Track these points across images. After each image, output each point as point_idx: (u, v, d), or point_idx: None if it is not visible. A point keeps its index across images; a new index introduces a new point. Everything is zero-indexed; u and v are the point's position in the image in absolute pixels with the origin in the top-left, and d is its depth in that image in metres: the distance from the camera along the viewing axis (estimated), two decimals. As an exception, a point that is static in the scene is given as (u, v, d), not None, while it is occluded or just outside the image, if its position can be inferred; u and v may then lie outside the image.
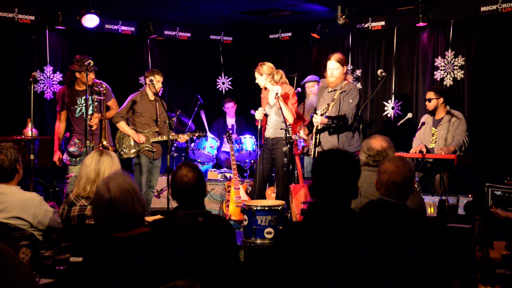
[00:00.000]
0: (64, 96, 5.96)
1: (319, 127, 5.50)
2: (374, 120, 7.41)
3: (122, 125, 6.16)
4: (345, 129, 5.44)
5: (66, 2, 6.82)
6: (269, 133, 5.91)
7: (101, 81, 6.03)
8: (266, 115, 5.94)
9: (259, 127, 5.92)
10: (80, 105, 5.93)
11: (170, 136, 5.93)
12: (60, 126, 6.05)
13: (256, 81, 5.96)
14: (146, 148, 6.17)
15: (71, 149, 5.89)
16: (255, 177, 5.96)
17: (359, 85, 7.64)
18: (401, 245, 2.68)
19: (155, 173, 6.33)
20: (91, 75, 5.78)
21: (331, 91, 5.57)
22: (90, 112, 5.83)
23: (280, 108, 5.59)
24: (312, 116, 6.90)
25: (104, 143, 5.77)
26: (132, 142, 6.16)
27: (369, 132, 7.23)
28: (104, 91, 5.94)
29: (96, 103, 5.90)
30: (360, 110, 5.54)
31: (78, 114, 5.96)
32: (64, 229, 3.42)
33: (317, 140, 5.56)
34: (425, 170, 5.85)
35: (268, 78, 5.84)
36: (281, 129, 5.64)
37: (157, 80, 6.12)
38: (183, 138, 6.30)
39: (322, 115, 5.37)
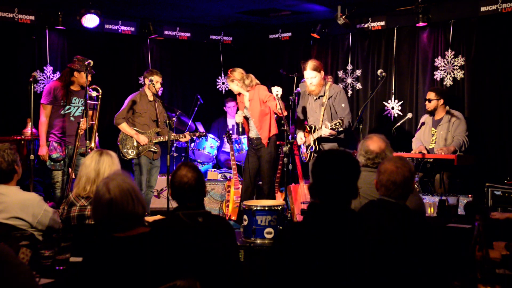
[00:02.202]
0: (57, 90, 5.84)
1: (322, 135, 5.54)
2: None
3: (124, 127, 6.18)
4: (343, 133, 5.53)
5: (66, 2, 6.82)
6: (252, 133, 6.06)
7: (95, 86, 5.95)
8: (246, 118, 6.06)
9: (240, 129, 6.10)
10: (70, 104, 5.87)
11: (172, 136, 5.94)
12: (46, 121, 5.88)
13: (229, 88, 6.15)
14: (149, 149, 6.20)
15: (54, 155, 5.81)
16: (245, 179, 6.07)
17: (359, 85, 7.65)
18: (401, 245, 2.68)
19: (154, 173, 6.36)
20: (89, 77, 5.74)
21: (316, 98, 5.64)
22: (77, 114, 5.81)
23: (280, 108, 5.63)
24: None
25: (92, 145, 5.65)
26: (135, 143, 6.19)
27: (369, 131, 7.23)
28: (100, 96, 5.81)
29: (83, 107, 5.78)
30: (360, 110, 5.56)
31: (65, 112, 5.86)
32: (64, 229, 3.42)
33: (316, 147, 5.59)
34: (425, 170, 5.85)
35: (239, 84, 5.94)
36: (281, 128, 5.68)
37: (156, 81, 6.13)
38: (184, 138, 6.34)
39: (332, 129, 5.41)
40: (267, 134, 5.96)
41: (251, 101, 5.97)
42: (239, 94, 6.09)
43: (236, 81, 5.95)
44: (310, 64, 5.62)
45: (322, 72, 5.64)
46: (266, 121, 5.97)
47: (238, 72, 5.97)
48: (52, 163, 5.84)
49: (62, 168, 5.85)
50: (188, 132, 6.52)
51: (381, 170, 2.88)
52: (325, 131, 5.47)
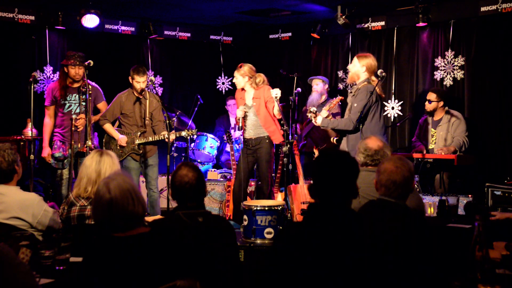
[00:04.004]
0: (55, 90, 5.89)
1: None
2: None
3: (107, 127, 5.95)
4: (352, 132, 5.26)
5: (66, 2, 6.82)
6: (250, 134, 5.95)
7: (88, 80, 5.90)
8: (243, 117, 5.94)
9: (239, 126, 5.93)
10: (70, 101, 5.88)
11: (161, 136, 5.75)
12: (49, 122, 5.94)
13: (234, 81, 5.97)
14: (133, 151, 5.93)
15: (56, 154, 5.81)
16: (237, 177, 6.00)
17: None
18: (401, 245, 2.68)
19: (152, 172, 6.05)
20: (77, 70, 5.73)
21: (352, 94, 5.35)
22: (78, 110, 5.80)
23: (279, 110, 5.62)
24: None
25: (89, 143, 5.54)
26: (118, 146, 5.93)
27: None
28: (90, 92, 5.64)
29: (83, 103, 5.75)
30: (359, 110, 5.52)
31: (67, 110, 5.89)
32: (64, 229, 3.42)
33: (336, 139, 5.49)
34: (425, 170, 5.85)
35: (249, 81, 5.88)
36: (282, 129, 5.67)
37: (137, 81, 5.81)
38: (170, 138, 5.77)
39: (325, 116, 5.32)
40: (278, 135, 5.89)
41: (256, 100, 5.90)
42: (242, 89, 5.98)
43: (247, 76, 5.85)
44: (360, 54, 5.44)
45: (364, 68, 5.25)
46: (273, 121, 5.91)
47: (249, 68, 5.87)
48: (55, 162, 5.85)
49: (66, 166, 5.83)
50: (173, 131, 5.91)
51: (380, 170, 2.88)
52: (313, 118, 5.41)
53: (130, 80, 5.90)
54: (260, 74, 5.94)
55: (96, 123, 6.03)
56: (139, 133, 5.94)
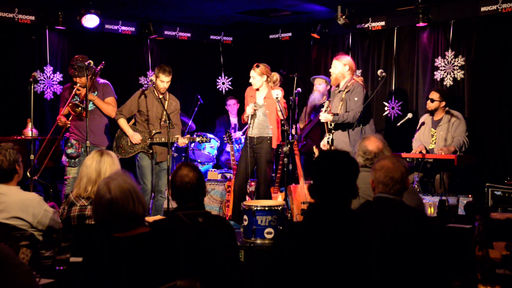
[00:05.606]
0: (65, 92, 5.98)
1: (330, 126, 5.52)
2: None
3: (121, 122, 5.88)
4: (354, 126, 5.49)
5: (66, 2, 6.82)
6: (254, 132, 5.94)
7: (98, 78, 5.92)
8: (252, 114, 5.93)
9: (248, 122, 5.94)
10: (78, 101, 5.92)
11: (174, 139, 5.72)
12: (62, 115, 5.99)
13: (251, 81, 5.90)
14: (142, 150, 5.86)
15: (69, 151, 5.86)
16: (237, 176, 5.98)
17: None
18: (401, 243, 2.69)
19: (162, 176, 5.94)
20: (78, 80, 5.77)
21: (338, 92, 5.69)
22: (90, 108, 5.81)
23: (280, 111, 5.62)
24: (313, 115, 6.94)
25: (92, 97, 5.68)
26: (129, 143, 5.88)
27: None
28: (97, 88, 5.76)
29: (75, 100, 5.78)
30: (359, 110, 5.55)
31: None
32: (64, 229, 3.42)
33: (331, 139, 5.56)
34: (425, 170, 5.85)
35: (266, 80, 5.86)
36: (282, 129, 5.68)
37: (161, 80, 5.76)
38: (181, 142, 5.83)
39: (325, 111, 5.47)
40: (278, 138, 5.93)
41: (267, 99, 5.86)
42: (257, 89, 5.92)
43: (265, 75, 5.82)
44: (338, 55, 5.82)
45: (346, 67, 5.66)
46: (276, 124, 5.92)
47: (265, 66, 5.87)
48: (67, 159, 5.88)
49: (77, 165, 5.84)
50: (188, 136, 6.01)
51: (377, 168, 2.91)
52: (321, 117, 5.50)
53: (154, 79, 5.77)
54: (275, 73, 5.95)
55: (113, 120, 6.02)
56: (152, 132, 5.87)
